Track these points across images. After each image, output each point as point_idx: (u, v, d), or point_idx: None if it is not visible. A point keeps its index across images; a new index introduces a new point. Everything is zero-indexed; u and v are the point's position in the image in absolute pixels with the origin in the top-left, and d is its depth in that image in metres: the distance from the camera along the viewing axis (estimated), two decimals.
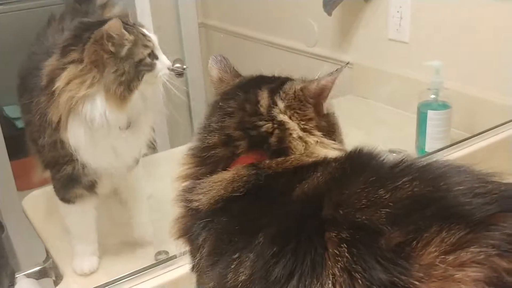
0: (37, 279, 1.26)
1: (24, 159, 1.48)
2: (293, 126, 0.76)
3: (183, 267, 1.11)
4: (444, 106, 1.54)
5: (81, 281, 1.18)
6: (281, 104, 0.78)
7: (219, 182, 0.75)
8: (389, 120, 1.82)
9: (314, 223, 0.62)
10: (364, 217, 0.59)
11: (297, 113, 0.78)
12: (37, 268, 1.28)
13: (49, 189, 1.43)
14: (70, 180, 1.17)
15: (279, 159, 0.74)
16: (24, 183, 1.84)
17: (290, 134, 0.76)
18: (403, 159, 0.68)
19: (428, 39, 1.77)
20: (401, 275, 0.54)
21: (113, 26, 1.06)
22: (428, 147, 1.54)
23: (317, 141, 0.77)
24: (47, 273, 1.29)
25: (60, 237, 1.29)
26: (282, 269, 0.61)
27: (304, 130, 0.77)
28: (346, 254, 0.58)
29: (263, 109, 0.78)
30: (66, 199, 1.20)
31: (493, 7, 1.56)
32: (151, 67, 1.12)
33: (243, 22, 2.56)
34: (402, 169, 0.66)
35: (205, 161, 0.79)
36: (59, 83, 1.05)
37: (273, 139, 0.76)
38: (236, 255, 0.66)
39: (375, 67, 1.95)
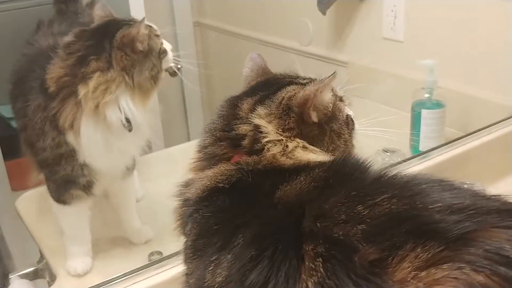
0: (31, 279, 1.26)
1: (19, 160, 1.48)
2: (269, 130, 0.78)
3: (176, 268, 1.11)
4: (438, 105, 1.54)
5: (75, 281, 1.18)
6: (261, 111, 0.81)
7: (205, 176, 0.78)
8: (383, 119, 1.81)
9: (293, 233, 0.63)
10: (340, 233, 0.60)
11: (277, 120, 0.79)
12: (31, 269, 1.28)
13: (42, 189, 1.43)
14: (68, 181, 1.17)
15: (255, 157, 0.76)
16: (19, 183, 1.83)
17: (264, 136, 0.77)
18: (386, 172, 0.69)
19: (423, 38, 1.77)
20: None
21: (142, 28, 1.11)
22: (422, 146, 1.54)
23: (297, 146, 0.78)
24: (41, 274, 1.29)
25: (54, 237, 1.28)
26: (258, 275, 0.61)
27: (282, 135, 0.78)
28: (321, 269, 0.58)
29: (243, 113, 0.81)
30: (61, 200, 1.20)
31: (487, 5, 1.56)
32: (165, 53, 1.18)
33: (238, 21, 2.56)
34: (383, 185, 0.66)
35: (204, 157, 0.83)
36: (86, 90, 1.07)
37: (247, 140, 0.78)
38: (214, 257, 0.67)
39: (370, 66, 1.95)
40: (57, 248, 1.26)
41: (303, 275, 0.59)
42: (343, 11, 2.00)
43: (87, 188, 1.19)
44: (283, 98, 0.81)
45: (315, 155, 0.77)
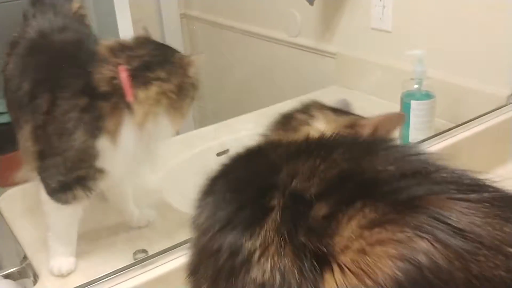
0: (15, 279, 1.24)
1: (7, 155, 1.45)
2: None
3: (162, 266, 1.09)
4: (428, 96, 1.52)
5: (58, 282, 1.15)
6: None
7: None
8: (372, 110, 1.80)
9: (265, 183, 0.68)
10: (300, 188, 0.64)
11: None
12: (15, 269, 1.25)
13: (26, 187, 1.40)
14: (76, 183, 1.14)
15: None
16: (7, 179, 1.80)
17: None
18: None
19: (411, 28, 1.75)
20: (321, 245, 0.57)
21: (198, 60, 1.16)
22: (412, 138, 1.53)
23: None
24: (25, 274, 1.26)
25: (37, 237, 1.26)
26: (226, 212, 0.68)
27: None
28: (278, 218, 0.63)
29: None
30: (60, 199, 1.16)
31: None
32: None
33: (225, 13, 2.53)
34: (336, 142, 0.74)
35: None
36: (145, 95, 1.07)
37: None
38: (204, 202, 0.75)
39: (359, 57, 1.94)
40: (40, 248, 1.23)
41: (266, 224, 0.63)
42: (331, 1, 1.98)
43: (91, 190, 1.16)
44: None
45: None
